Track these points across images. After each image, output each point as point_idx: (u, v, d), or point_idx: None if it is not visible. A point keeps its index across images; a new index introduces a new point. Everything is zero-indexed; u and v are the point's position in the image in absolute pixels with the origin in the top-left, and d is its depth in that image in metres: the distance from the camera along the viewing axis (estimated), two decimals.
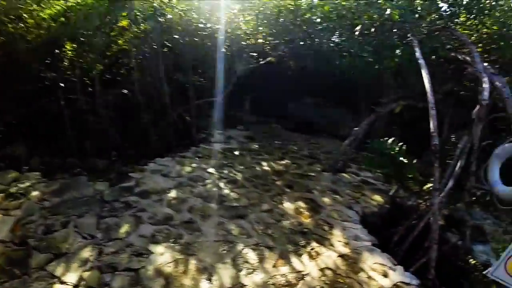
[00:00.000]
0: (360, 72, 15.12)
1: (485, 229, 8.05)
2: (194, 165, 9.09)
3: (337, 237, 6.28)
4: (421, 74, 10.94)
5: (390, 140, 7.61)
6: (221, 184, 7.88)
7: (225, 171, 8.78)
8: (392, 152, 7.26)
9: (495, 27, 8.09)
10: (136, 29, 9.79)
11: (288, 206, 7.19)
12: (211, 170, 8.78)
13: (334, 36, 14.85)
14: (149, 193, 7.14)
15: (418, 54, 6.75)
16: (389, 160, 7.10)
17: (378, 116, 10.03)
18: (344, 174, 9.86)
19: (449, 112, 12.23)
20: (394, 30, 9.53)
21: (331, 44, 15.62)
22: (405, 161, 7.10)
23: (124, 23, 9.52)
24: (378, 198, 8.50)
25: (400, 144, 7.60)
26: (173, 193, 7.21)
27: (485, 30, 8.31)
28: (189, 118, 11.84)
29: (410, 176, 6.89)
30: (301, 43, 16.68)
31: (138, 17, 9.81)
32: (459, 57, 7.45)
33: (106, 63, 9.58)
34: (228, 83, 12.26)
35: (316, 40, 16.58)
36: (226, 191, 7.55)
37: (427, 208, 6.61)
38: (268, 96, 18.86)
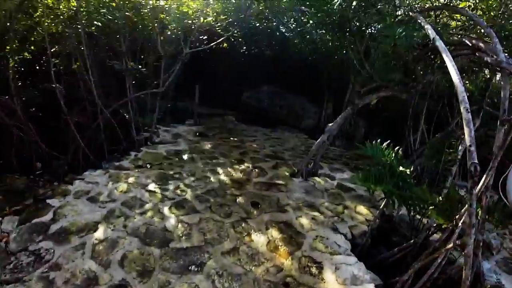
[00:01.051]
0: (324, 57, 13.44)
1: (492, 244, 6.59)
2: (131, 179, 6.88)
3: (331, 284, 4.42)
4: (397, 60, 9.39)
5: (385, 144, 5.83)
6: (165, 210, 5.70)
7: (171, 187, 6.63)
8: (388, 161, 5.48)
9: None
10: (63, 7, 7.46)
11: (258, 239, 5.15)
12: (153, 186, 6.61)
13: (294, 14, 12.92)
14: (68, 234, 4.88)
15: (431, 33, 4.93)
16: (388, 172, 5.31)
17: (355, 110, 8.26)
18: (317, 179, 8.05)
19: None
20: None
21: (292, 26, 13.71)
22: (407, 171, 5.34)
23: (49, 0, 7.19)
24: (363, 210, 6.75)
25: (396, 148, 5.86)
26: (100, 231, 4.97)
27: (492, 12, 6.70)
28: (127, 115, 9.55)
29: (418, 196, 5.14)
30: (257, 24, 14.62)
31: None
32: (469, 42, 5.73)
33: (27, 52, 7.27)
34: (174, 70, 10.03)
35: (274, 20, 14.57)
36: (172, 221, 5.38)
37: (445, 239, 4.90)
38: (220, 85, 16.75)
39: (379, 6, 8.58)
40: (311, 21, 12.15)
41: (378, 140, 6.06)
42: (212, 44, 10.82)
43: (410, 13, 6.32)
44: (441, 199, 5.15)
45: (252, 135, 11.72)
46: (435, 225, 5.48)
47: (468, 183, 3.75)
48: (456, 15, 7.28)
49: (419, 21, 5.55)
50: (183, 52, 10.07)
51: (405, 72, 9.02)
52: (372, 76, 8.82)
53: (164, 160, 8.27)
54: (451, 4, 6.44)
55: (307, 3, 9.55)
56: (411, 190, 5.11)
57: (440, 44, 4.70)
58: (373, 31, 9.86)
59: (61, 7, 7.92)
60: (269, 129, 13.13)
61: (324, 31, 11.82)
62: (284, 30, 15.56)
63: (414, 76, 8.41)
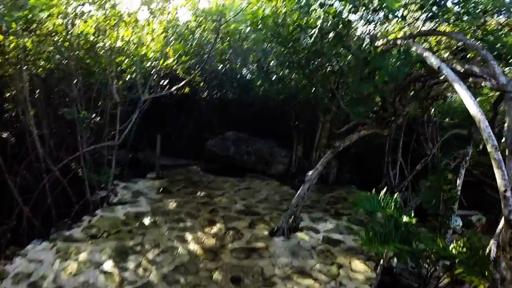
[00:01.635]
0: (291, 97, 12.80)
1: None
2: (83, 255, 5.62)
3: None
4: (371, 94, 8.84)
5: (382, 193, 5.00)
6: None
7: (131, 265, 5.41)
8: (389, 213, 4.63)
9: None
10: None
11: None
12: (109, 265, 5.39)
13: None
14: None
15: (435, 61, 4.27)
16: (392, 227, 4.45)
17: (335, 153, 7.48)
18: (300, 234, 7.07)
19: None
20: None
21: (255, 66, 13.05)
22: (413, 221, 4.50)
23: None
24: (359, 265, 5.83)
25: (395, 195, 5.05)
26: None
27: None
28: (80, 171, 8.33)
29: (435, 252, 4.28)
30: (220, 66, 13.92)
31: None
32: (460, 67, 5.15)
33: None
34: (132, 120, 8.96)
35: (238, 61, 13.91)
36: None
37: None
38: (183, 132, 15.77)
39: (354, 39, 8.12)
40: (275, 60, 11.62)
41: (373, 191, 5.26)
42: (172, 89, 9.90)
43: (398, 41, 5.72)
44: (462, 249, 4.31)
45: (220, 187, 10.66)
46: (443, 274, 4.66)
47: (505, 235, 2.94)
48: (443, 39, 6.81)
49: (414, 48, 4.93)
50: (142, 99, 9.07)
51: (383, 106, 8.46)
52: (348, 114, 8.17)
53: (123, 226, 7.04)
54: (439, 30, 5.92)
55: (274, 39, 8.95)
56: (423, 243, 4.27)
57: (449, 72, 4.03)
58: (344, 66, 9.38)
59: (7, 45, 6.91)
60: (238, 178, 12.12)
61: (289, 70, 11.27)
62: (248, 71, 14.96)
63: (393, 110, 7.84)
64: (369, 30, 7.62)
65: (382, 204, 4.76)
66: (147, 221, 7.35)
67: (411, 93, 8.61)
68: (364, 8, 5.98)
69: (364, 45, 8.05)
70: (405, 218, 4.59)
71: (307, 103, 12.60)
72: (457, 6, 5.83)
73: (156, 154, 11.92)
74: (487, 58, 4.56)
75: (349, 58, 8.92)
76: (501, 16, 6.93)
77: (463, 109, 12.34)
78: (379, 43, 6.66)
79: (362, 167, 13.81)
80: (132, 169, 11.96)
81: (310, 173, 7.08)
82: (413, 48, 5.06)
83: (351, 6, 5.52)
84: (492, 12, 6.32)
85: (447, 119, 12.87)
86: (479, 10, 5.79)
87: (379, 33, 7.66)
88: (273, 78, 12.21)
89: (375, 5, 5.47)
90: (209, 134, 14.48)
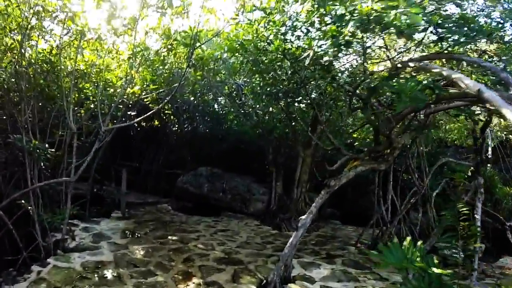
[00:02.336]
0: (268, 131, 11.96)
1: None
2: None
3: None
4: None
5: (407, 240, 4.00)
6: None
7: None
8: (420, 265, 3.63)
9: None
10: None
11: None
12: None
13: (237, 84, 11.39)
14: None
15: (471, 83, 3.45)
16: (427, 284, 3.44)
17: (330, 193, 6.47)
18: (295, 287, 5.97)
19: None
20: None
21: (229, 99, 12.13)
22: (447, 272, 3.52)
23: None
24: None
25: (420, 244, 4.07)
26: None
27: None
28: (31, 211, 6.89)
29: None
30: (191, 98, 12.89)
31: None
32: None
33: None
34: (91, 152, 7.69)
35: (210, 93, 12.95)
36: None
37: None
38: (153, 167, 14.48)
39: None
40: (251, 92, 10.75)
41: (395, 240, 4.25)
42: (138, 119, 8.72)
43: (410, 64, 4.93)
44: None
45: (194, 229, 9.38)
46: None
47: None
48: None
49: (437, 71, 4.12)
50: (103, 129, 7.85)
51: (376, 138, 7.63)
52: (332, 148, 7.26)
53: (79, 281, 5.65)
54: (446, 52, 5.20)
55: (254, 68, 8.08)
56: None
57: (493, 96, 3.19)
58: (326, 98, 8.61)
59: None
60: (213, 218, 10.91)
61: (265, 103, 10.42)
62: (222, 103, 14.01)
63: (389, 142, 7.00)
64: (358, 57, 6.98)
65: (407, 254, 3.75)
66: (109, 274, 5.99)
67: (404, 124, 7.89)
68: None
69: (356, 74, 7.38)
70: (436, 270, 3.59)
71: (285, 137, 11.77)
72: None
73: (122, 191, 10.57)
74: (507, 81, 3.81)
75: (333, 90, 8.23)
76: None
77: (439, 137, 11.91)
78: (378, 68, 5.92)
79: (342, 200, 12.95)
80: (95, 207, 10.56)
81: (304, 217, 6.00)
82: (435, 70, 4.26)
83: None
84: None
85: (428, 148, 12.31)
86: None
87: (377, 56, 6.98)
88: (249, 111, 11.32)
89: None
90: (181, 170, 13.26)
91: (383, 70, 5.87)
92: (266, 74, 8.26)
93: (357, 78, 7.06)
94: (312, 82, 7.77)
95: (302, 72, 6.97)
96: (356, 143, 11.12)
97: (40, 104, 7.52)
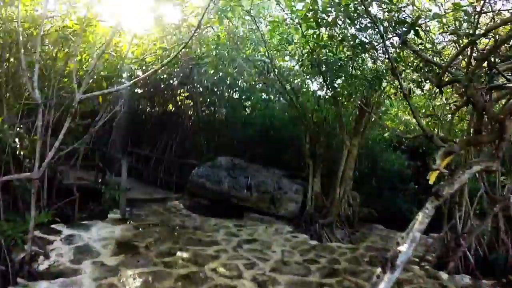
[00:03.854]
0: (304, 115, 9.34)
1: None
2: None
3: None
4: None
5: None
6: None
7: None
8: None
9: None
10: None
11: None
12: None
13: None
14: None
15: None
16: None
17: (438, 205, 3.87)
18: None
19: None
20: None
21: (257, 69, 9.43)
22: None
23: None
24: None
25: None
26: None
27: None
28: None
29: None
30: (211, 71, 10.25)
31: None
32: None
33: None
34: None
35: (235, 65, 10.26)
36: None
37: None
38: (164, 156, 12.11)
39: None
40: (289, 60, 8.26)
41: None
42: (132, 82, 6.22)
43: None
44: None
45: (212, 239, 6.93)
46: None
47: None
48: None
49: None
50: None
51: (477, 124, 5.00)
52: (430, 136, 4.62)
53: None
54: None
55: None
56: None
57: None
58: None
59: None
60: (235, 222, 8.46)
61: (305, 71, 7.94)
62: (245, 79, 11.35)
63: (502, 131, 4.38)
64: None
65: None
66: None
67: None
68: None
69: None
70: None
71: (326, 121, 9.20)
72: None
73: (121, 185, 8.20)
74: None
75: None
76: None
77: None
78: None
79: (378, 198, 10.43)
80: (93, 204, 8.29)
81: (403, 248, 3.38)
82: None
83: None
84: None
85: None
86: None
87: None
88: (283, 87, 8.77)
89: None
90: (196, 160, 10.80)
91: None
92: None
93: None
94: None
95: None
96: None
97: None
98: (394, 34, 5.24)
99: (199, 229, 7.59)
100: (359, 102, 8.54)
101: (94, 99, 10.64)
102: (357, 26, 5.71)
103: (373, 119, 9.03)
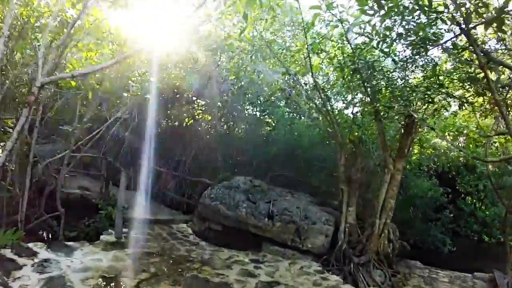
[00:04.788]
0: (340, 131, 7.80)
1: None
2: None
3: None
4: None
5: None
6: None
7: None
8: None
9: None
10: None
11: None
12: None
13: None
14: None
15: None
16: None
17: None
18: None
19: None
20: None
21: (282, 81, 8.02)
22: None
23: None
24: None
25: None
26: None
27: None
28: None
29: None
30: (232, 78, 8.84)
31: None
32: None
33: None
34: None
35: (258, 74, 8.87)
36: None
37: None
38: (171, 172, 10.69)
39: None
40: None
41: None
42: (106, 65, 5.19)
43: None
44: None
45: (221, 279, 5.35)
46: None
47: None
48: None
49: None
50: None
51: None
52: None
53: None
54: None
55: None
56: None
57: None
58: None
59: None
60: (251, 256, 6.87)
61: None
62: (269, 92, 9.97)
63: None
64: None
65: None
66: None
67: None
68: None
69: None
70: None
71: (365, 140, 7.70)
72: None
73: (118, 202, 6.77)
74: None
75: None
76: None
77: None
78: None
79: (410, 229, 9.17)
80: (87, 218, 7.02)
81: None
82: None
83: None
84: None
85: None
86: None
87: None
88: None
89: None
90: (210, 179, 9.31)
91: None
92: None
93: None
94: None
95: None
96: None
97: None
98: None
99: (207, 263, 6.02)
100: (405, 118, 7.06)
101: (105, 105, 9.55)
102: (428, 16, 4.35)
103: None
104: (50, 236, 6.53)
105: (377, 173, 7.82)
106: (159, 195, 10.50)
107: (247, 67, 8.80)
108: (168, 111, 12.27)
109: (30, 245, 5.48)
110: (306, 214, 7.57)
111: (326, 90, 7.52)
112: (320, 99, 7.27)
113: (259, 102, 10.78)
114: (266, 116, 10.74)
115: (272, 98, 9.91)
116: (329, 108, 7.30)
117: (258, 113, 11.02)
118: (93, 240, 6.41)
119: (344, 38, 6.30)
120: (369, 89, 6.51)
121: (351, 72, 6.30)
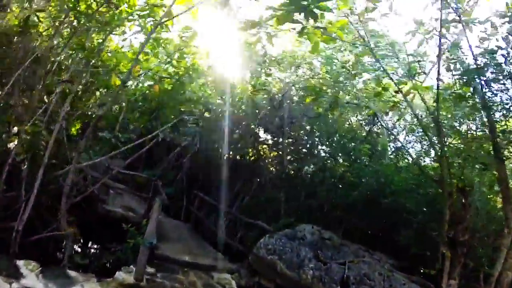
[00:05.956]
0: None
1: None
2: None
3: None
4: None
5: None
6: None
7: None
8: None
9: None
10: None
11: None
12: None
13: None
14: None
15: None
16: None
17: None
18: None
19: None
20: None
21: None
22: None
23: None
24: None
25: None
26: None
27: None
28: None
29: None
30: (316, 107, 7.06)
31: None
32: None
33: None
34: None
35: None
36: None
37: None
38: (232, 210, 9.04)
39: None
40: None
41: None
42: None
43: None
44: None
45: None
46: None
47: None
48: None
49: None
50: None
51: None
52: None
53: None
54: None
55: None
56: None
57: None
58: None
59: None
60: None
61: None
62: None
63: None
64: None
65: None
66: None
67: None
68: None
69: None
70: None
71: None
72: None
73: (145, 236, 5.12)
74: None
75: None
76: None
77: None
78: None
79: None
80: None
81: None
82: None
83: None
84: None
85: None
86: None
87: None
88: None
89: None
90: (267, 222, 7.37)
91: None
92: None
93: None
94: None
95: None
96: None
97: None
98: None
99: None
100: None
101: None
102: None
103: None
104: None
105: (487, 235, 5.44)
106: (207, 231, 8.84)
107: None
108: (233, 143, 11.00)
109: (21, 263, 4.04)
110: (391, 283, 5.25)
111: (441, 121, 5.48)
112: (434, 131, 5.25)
113: (335, 138, 8.94)
114: (345, 157, 8.81)
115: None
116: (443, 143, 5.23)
117: (333, 147, 9.17)
118: (105, 275, 4.79)
119: None
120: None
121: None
